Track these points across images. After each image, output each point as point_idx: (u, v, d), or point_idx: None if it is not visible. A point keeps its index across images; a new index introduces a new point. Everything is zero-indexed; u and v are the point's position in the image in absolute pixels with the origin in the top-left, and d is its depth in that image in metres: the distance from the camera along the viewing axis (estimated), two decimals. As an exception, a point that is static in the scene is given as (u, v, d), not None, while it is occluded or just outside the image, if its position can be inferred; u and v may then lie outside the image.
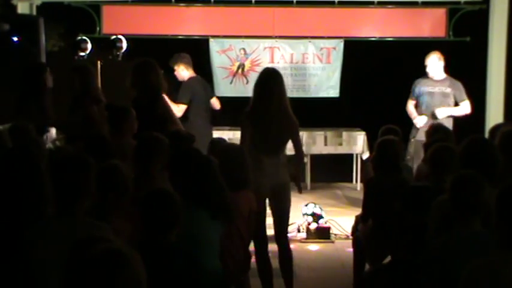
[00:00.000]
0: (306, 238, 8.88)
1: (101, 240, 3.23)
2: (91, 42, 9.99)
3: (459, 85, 9.85)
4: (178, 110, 9.00)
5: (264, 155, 6.73)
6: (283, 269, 6.93)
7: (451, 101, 9.76)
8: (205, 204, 5.00)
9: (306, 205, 9.15)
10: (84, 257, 2.82)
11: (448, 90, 9.74)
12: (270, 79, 6.87)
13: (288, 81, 11.94)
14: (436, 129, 7.19)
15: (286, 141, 6.95)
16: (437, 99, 9.68)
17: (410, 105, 9.95)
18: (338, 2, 11.36)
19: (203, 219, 4.99)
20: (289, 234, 8.82)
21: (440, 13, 11.50)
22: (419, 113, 9.75)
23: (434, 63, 9.79)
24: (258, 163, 6.60)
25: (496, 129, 6.75)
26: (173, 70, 9.76)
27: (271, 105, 6.74)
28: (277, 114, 6.74)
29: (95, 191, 4.26)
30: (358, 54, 11.89)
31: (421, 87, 9.81)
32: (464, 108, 9.79)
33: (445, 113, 9.62)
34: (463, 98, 9.81)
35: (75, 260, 3.12)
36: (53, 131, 10.65)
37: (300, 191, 7.13)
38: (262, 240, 6.77)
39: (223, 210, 5.12)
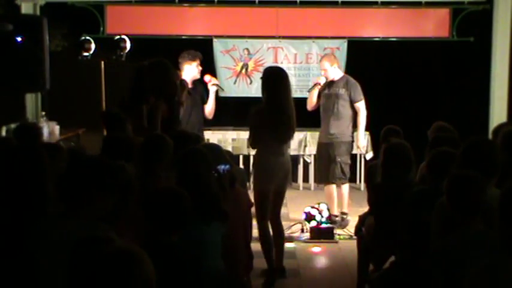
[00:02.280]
0: (310, 238, 8.87)
1: (104, 240, 3.23)
2: (95, 43, 10.00)
3: (356, 86, 9.50)
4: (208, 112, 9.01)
5: (280, 146, 7.47)
6: (277, 243, 7.50)
7: (346, 102, 9.45)
8: (198, 207, 4.98)
9: (319, 204, 9.13)
10: (93, 257, 2.81)
11: (342, 91, 9.44)
12: (281, 77, 7.58)
13: (291, 81, 11.92)
14: (439, 128, 7.14)
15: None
16: (331, 101, 9.46)
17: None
18: (341, 2, 11.35)
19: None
20: (293, 235, 8.91)
21: (443, 13, 11.50)
22: (322, 117, 9.61)
23: (328, 68, 9.48)
24: (274, 154, 7.39)
25: (499, 129, 6.73)
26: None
27: (286, 101, 7.45)
28: (289, 109, 7.48)
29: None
30: (362, 55, 11.87)
31: (322, 89, 9.61)
32: (362, 113, 9.52)
33: (363, 139, 9.79)
34: (358, 99, 9.47)
35: (79, 259, 3.12)
36: (56, 131, 10.68)
37: None
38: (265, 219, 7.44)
39: (215, 213, 5.09)
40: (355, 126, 9.60)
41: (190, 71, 8.96)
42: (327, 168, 9.59)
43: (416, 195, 5.55)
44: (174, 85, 7.48)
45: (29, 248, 4.01)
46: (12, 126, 7.86)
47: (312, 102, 9.65)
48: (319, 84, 9.56)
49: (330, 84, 9.49)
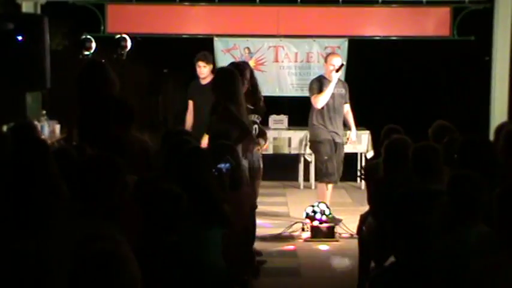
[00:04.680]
0: (311, 237, 8.86)
1: (104, 239, 3.23)
2: (95, 41, 10.00)
3: (347, 86, 9.73)
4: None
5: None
6: None
7: (344, 101, 9.62)
8: (199, 211, 4.98)
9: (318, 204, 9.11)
10: (81, 257, 2.83)
11: (343, 91, 9.56)
12: (238, 78, 7.72)
13: (292, 80, 12.04)
14: (440, 127, 7.10)
15: None
16: (337, 101, 9.47)
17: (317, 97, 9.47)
18: (342, 1, 11.35)
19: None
20: (294, 234, 8.91)
21: (444, 12, 11.50)
22: (321, 114, 9.45)
23: (339, 65, 9.41)
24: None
25: (500, 128, 6.72)
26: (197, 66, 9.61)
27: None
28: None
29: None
30: (363, 53, 11.89)
31: (323, 87, 9.43)
32: (350, 112, 9.80)
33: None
34: (348, 100, 9.69)
35: (76, 259, 3.13)
36: (57, 130, 10.69)
37: None
38: None
39: (216, 218, 5.08)
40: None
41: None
42: (338, 167, 9.62)
43: (404, 196, 5.53)
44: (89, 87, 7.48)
45: (38, 247, 4.01)
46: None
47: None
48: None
49: (329, 83, 9.40)
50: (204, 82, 9.51)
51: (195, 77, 9.56)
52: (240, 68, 8.17)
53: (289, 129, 11.99)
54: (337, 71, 9.36)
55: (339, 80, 9.55)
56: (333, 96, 9.42)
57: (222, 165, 5.50)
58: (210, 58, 9.73)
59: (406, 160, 6.14)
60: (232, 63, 8.76)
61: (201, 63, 9.55)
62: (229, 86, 7.58)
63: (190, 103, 9.53)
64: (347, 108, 9.71)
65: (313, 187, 12.02)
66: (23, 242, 4.10)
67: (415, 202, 5.23)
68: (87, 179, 4.15)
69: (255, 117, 8.30)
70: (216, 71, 8.18)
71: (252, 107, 8.23)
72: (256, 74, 11.68)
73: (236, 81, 7.63)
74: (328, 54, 9.92)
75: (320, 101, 9.37)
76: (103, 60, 7.95)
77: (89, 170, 4.19)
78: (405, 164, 6.14)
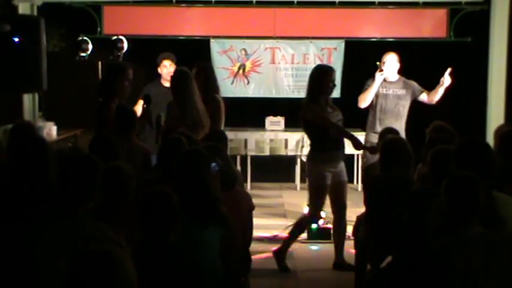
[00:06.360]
0: (307, 238, 8.87)
1: (101, 240, 3.23)
2: (92, 43, 10.00)
3: (413, 83, 9.46)
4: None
5: None
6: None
7: (407, 103, 9.36)
8: (195, 213, 4.96)
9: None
10: (77, 257, 2.82)
11: (403, 92, 9.36)
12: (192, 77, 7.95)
13: (289, 82, 12.02)
14: (438, 128, 7.11)
15: None
16: (391, 102, 9.30)
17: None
18: (339, 2, 11.34)
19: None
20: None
21: (441, 14, 11.50)
22: (373, 115, 9.34)
23: (393, 64, 9.36)
24: None
25: (499, 130, 6.72)
26: (159, 66, 9.90)
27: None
28: None
29: (98, 192, 4.27)
30: (359, 55, 11.87)
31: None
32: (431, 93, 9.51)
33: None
34: (422, 89, 9.45)
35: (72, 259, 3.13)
36: (54, 131, 10.69)
37: None
38: None
39: (213, 217, 5.07)
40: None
41: None
42: None
43: (413, 195, 5.54)
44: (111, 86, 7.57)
45: (28, 245, 4.01)
46: (9, 126, 7.85)
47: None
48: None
49: (385, 83, 9.31)
50: (168, 84, 9.39)
51: (157, 77, 9.76)
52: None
53: (285, 130, 12.00)
54: (379, 71, 9.29)
55: (401, 79, 9.40)
56: (385, 97, 9.29)
57: (211, 166, 5.48)
58: (175, 58, 9.83)
59: (401, 159, 6.17)
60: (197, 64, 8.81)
61: (166, 62, 9.65)
62: (182, 87, 7.65)
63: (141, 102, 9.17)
64: (424, 96, 9.46)
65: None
66: (9, 242, 4.11)
67: (425, 202, 5.22)
68: (64, 179, 4.17)
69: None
70: (173, 72, 8.22)
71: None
72: (253, 75, 11.79)
73: (188, 81, 7.71)
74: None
75: (360, 101, 9.30)
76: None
77: (65, 170, 4.22)
78: (400, 163, 6.17)
